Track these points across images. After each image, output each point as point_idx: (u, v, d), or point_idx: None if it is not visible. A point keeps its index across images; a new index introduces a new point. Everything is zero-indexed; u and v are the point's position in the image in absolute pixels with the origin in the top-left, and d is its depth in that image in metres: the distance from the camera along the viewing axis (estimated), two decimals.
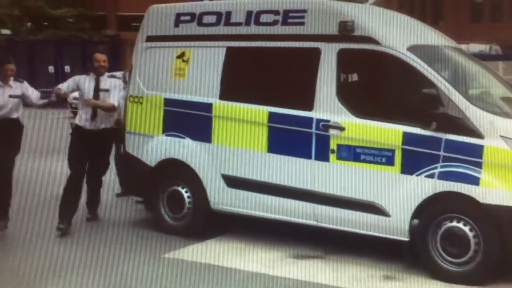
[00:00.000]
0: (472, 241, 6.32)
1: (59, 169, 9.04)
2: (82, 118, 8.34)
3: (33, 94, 8.34)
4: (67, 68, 28.03)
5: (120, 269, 6.83)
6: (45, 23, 43.89)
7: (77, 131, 8.36)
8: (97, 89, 8.36)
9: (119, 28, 45.65)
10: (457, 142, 6.35)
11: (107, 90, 8.36)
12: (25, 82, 8.37)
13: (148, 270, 6.81)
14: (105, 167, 8.67)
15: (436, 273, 6.50)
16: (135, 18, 25.63)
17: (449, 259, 6.44)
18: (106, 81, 8.47)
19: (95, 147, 8.31)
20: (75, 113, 9.80)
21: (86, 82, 8.40)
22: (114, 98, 8.37)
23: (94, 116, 8.30)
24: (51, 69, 27.21)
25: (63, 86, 8.51)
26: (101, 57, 8.47)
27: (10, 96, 8.08)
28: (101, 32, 41.61)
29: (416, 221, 6.58)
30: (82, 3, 47.36)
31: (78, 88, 8.48)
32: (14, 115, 8.18)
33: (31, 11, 43.37)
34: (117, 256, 7.20)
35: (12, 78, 8.15)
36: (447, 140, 6.39)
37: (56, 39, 34.61)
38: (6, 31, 35.14)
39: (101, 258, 7.15)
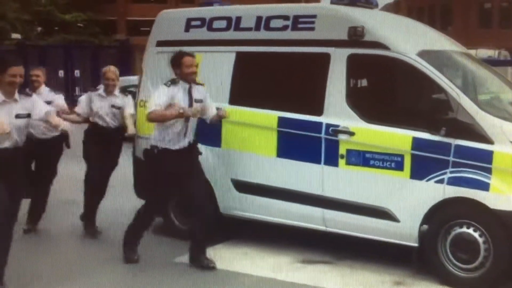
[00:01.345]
0: (482, 247, 6.31)
1: (73, 173, 9.02)
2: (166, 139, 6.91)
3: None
4: (77, 73, 28.06)
5: (132, 272, 6.85)
6: (56, 28, 44.15)
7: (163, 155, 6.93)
8: (191, 99, 6.97)
9: (129, 33, 45.87)
10: (467, 148, 6.35)
11: (201, 101, 7.06)
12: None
13: (159, 274, 6.83)
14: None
15: (446, 279, 6.50)
16: (145, 23, 25.74)
17: (459, 264, 6.44)
18: (199, 91, 7.11)
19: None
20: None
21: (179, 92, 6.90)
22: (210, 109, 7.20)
23: (185, 131, 6.95)
24: (61, 73, 27.24)
25: (160, 101, 6.85)
26: (191, 61, 6.99)
27: (113, 106, 8.06)
28: (111, 37, 41.75)
29: (425, 226, 6.58)
30: (92, 8, 47.61)
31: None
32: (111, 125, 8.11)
33: (41, 16, 43.64)
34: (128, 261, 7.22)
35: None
36: (456, 146, 6.39)
37: (66, 43, 34.71)
38: (16, 36, 35.29)
39: (113, 261, 7.17)
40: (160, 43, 8.38)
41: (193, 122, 6.94)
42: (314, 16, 7.32)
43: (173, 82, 6.90)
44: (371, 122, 6.87)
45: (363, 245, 7.07)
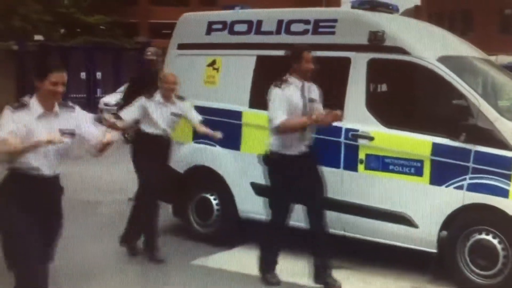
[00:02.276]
0: (501, 253, 6.28)
1: (91, 174, 9.09)
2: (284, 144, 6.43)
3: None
4: (98, 75, 28.25)
5: (149, 274, 6.89)
6: (78, 30, 44.44)
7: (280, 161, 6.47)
8: (304, 99, 6.45)
9: (150, 36, 46.03)
10: (486, 154, 6.32)
11: (315, 100, 6.56)
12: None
13: (176, 276, 6.87)
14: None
15: (464, 285, 6.47)
16: (166, 25, 25.85)
17: (477, 271, 6.40)
18: (312, 89, 6.58)
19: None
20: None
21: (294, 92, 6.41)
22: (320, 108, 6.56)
23: (305, 136, 6.50)
24: (83, 75, 27.44)
25: (283, 108, 6.35)
26: (311, 56, 6.47)
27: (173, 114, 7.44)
28: (133, 39, 41.94)
29: (444, 232, 6.56)
30: (115, 10, 47.87)
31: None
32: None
33: (63, 18, 43.94)
34: (146, 261, 7.26)
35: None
36: (476, 152, 6.36)
37: (88, 45, 34.95)
38: (39, 37, 35.53)
39: (130, 262, 7.22)
40: (181, 46, 8.43)
41: (311, 126, 6.47)
42: (335, 21, 7.33)
43: (284, 81, 6.40)
44: (391, 127, 6.87)
45: (382, 250, 7.05)
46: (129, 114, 7.36)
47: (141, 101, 7.41)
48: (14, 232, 4.61)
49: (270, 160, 6.53)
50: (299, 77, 6.41)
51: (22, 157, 4.53)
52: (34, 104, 4.64)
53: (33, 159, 4.57)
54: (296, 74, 6.39)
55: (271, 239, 6.73)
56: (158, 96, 7.37)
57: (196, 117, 7.53)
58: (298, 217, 7.32)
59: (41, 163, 4.62)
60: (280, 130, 6.27)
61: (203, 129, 7.42)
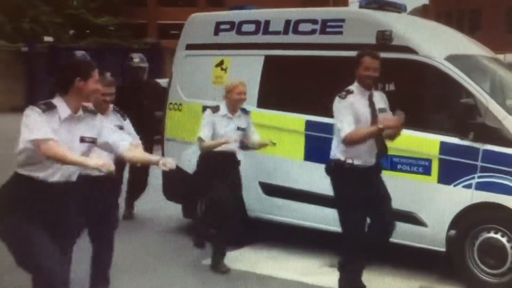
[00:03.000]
0: (510, 252, 6.26)
1: None
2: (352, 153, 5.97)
3: None
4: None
5: (160, 274, 6.91)
6: (87, 31, 44.60)
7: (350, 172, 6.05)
8: (373, 110, 6.00)
9: (159, 36, 46.16)
10: (495, 153, 6.32)
11: (384, 110, 6.12)
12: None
13: (187, 276, 6.88)
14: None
15: (473, 284, 6.46)
16: (175, 26, 25.90)
17: (486, 270, 6.40)
18: (381, 98, 6.19)
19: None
20: None
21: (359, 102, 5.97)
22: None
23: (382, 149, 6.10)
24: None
25: (348, 119, 5.89)
26: (371, 62, 5.95)
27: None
28: (142, 40, 42.06)
29: (453, 231, 6.54)
30: (124, 11, 48.03)
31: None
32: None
33: (73, 19, 44.11)
34: (156, 262, 7.28)
35: None
36: (484, 151, 6.35)
37: (97, 46, 35.07)
38: (49, 38, 35.69)
39: (141, 263, 7.23)
40: (190, 47, 8.45)
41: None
42: (343, 20, 7.34)
43: (348, 92, 5.95)
44: None
45: (390, 249, 7.05)
46: (207, 133, 6.85)
47: (209, 116, 6.89)
48: (27, 240, 4.38)
49: (339, 169, 6.04)
50: (362, 85, 5.98)
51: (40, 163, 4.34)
52: (61, 106, 4.41)
53: (49, 165, 4.37)
54: (358, 81, 6.00)
55: (351, 257, 6.19)
56: (223, 109, 6.90)
57: (253, 133, 7.15)
58: (306, 217, 7.37)
59: (55, 170, 4.41)
60: (347, 142, 5.88)
61: (260, 142, 7.10)
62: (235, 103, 6.90)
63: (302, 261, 7.30)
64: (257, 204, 7.71)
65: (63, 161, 4.25)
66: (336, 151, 6.03)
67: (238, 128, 6.95)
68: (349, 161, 5.94)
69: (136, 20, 49.70)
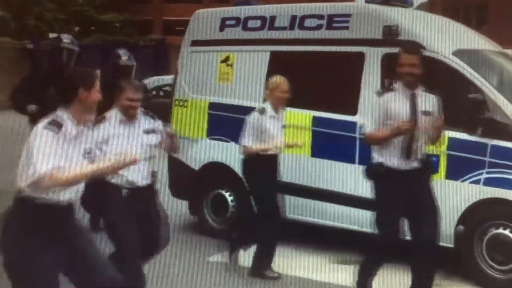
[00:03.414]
0: None
1: None
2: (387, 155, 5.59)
3: None
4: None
5: (166, 270, 6.89)
6: (92, 28, 44.66)
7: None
8: (414, 111, 5.50)
9: (164, 33, 46.18)
10: (503, 148, 6.28)
11: (429, 114, 5.55)
12: None
13: (193, 272, 6.87)
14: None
15: (481, 280, 6.44)
16: (180, 22, 25.90)
17: (495, 266, 6.38)
18: (428, 100, 5.61)
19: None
20: None
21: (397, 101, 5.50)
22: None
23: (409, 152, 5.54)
24: (97, 72, 27.55)
25: (373, 118, 5.63)
26: (409, 58, 5.48)
27: None
28: (147, 37, 42.10)
29: (461, 227, 6.52)
30: (129, 8, 48.07)
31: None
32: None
33: (78, 16, 44.16)
34: (162, 258, 7.25)
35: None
36: (493, 146, 6.32)
37: (103, 43, 35.10)
38: (54, 35, 35.76)
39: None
40: (195, 43, 8.44)
41: (422, 139, 5.55)
42: (349, 15, 7.32)
43: (388, 89, 5.66)
44: None
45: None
46: (250, 141, 6.57)
47: (255, 120, 6.59)
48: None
49: (376, 172, 5.72)
50: (403, 83, 5.53)
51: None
52: (67, 123, 4.12)
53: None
54: (398, 79, 5.56)
55: (378, 258, 6.00)
56: (269, 110, 6.58)
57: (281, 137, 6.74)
58: (314, 213, 7.35)
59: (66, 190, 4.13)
60: (367, 142, 5.74)
61: (289, 142, 6.76)
62: (280, 101, 6.59)
63: (311, 258, 7.28)
64: None
65: (75, 182, 4.04)
66: (374, 152, 5.70)
67: (282, 126, 6.68)
68: (383, 162, 5.57)
69: (141, 17, 49.71)
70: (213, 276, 6.78)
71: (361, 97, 7.07)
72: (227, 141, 7.89)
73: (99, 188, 5.00)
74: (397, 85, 5.56)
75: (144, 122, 5.61)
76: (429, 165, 5.71)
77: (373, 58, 7.08)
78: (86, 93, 4.19)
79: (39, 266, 4.03)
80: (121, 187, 5.34)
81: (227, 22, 8.19)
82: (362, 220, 7.06)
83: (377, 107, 5.60)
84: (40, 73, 7.68)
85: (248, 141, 6.57)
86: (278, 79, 6.64)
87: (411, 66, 5.42)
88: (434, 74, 7.22)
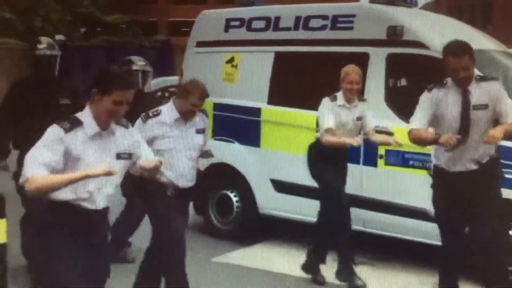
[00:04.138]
0: None
1: None
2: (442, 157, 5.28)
3: None
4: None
5: None
6: (98, 29, 44.75)
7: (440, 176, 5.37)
8: (466, 107, 5.13)
9: (170, 34, 46.22)
10: (507, 148, 6.26)
11: (485, 107, 5.14)
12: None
13: (196, 273, 6.85)
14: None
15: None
16: (185, 23, 25.94)
17: None
18: (485, 93, 5.19)
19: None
20: None
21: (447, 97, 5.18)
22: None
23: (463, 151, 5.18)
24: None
25: (418, 114, 5.27)
26: (460, 63, 5.09)
27: None
28: (153, 38, 42.14)
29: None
30: (134, 9, 48.15)
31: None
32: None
33: (83, 17, 44.26)
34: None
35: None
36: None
37: (109, 44, 35.18)
38: (60, 37, 35.80)
39: None
40: (200, 44, 8.45)
41: (477, 138, 5.13)
42: (353, 16, 7.32)
43: (437, 84, 5.30)
44: None
45: (403, 246, 7.03)
46: (332, 121, 6.27)
47: (329, 104, 6.38)
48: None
49: (432, 176, 5.44)
50: (455, 80, 5.16)
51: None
52: (88, 121, 3.90)
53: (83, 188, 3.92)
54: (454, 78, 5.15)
55: (447, 267, 5.68)
56: (340, 98, 6.38)
57: (370, 123, 6.56)
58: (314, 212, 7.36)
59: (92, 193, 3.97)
60: (410, 139, 5.40)
61: (378, 138, 6.53)
62: (350, 92, 6.33)
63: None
64: (269, 201, 7.71)
65: (51, 188, 3.75)
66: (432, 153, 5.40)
67: (357, 119, 6.42)
68: (441, 165, 5.28)
69: (146, 18, 49.76)
70: (216, 276, 6.79)
71: (365, 97, 7.05)
72: (232, 142, 7.90)
73: (145, 186, 5.16)
74: (449, 81, 5.25)
75: (198, 120, 5.62)
76: (491, 167, 5.24)
77: (377, 58, 7.08)
78: (98, 97, 3.88)
79: (71, 269, 3.92)
80: (167, 186, 5.42)
81: (232, 23, 8.20)
82: (366, 220, 7.08)
83: (427, 102, 5.24)
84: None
85: (330, 122, 6.25)
86: (348, 68, 6.37)
87: (465, 70, 5.08)
88: (439, 74, 7.24)
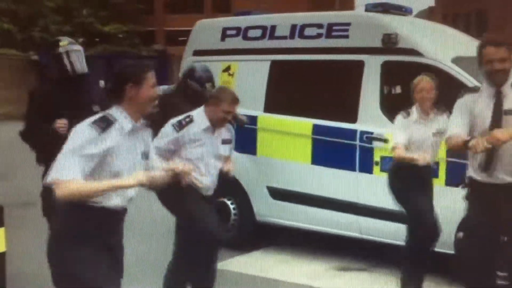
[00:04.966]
0: None
1: None
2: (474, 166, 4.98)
3: None
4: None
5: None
6: (97, 39, 44.88)
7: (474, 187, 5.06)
8: (498, 112, 4.81)
9: (167, 43, 46.35)
10: None
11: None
12: None
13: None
14: None
15: None
16: (182, 33, 26.02)
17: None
18: None
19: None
20: None
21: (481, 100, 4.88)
22: None
23: (489, 161, 4.86)
24: (101, 83, 27.71)
25: (453, 127, 5.01)
26: (496, 52, 4.77)
27: None
28: (150, 47, 42.27)
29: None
30: (132, 19, 48.30)
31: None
32: None
33: (82, 28, 44.39)
34: (163, 264, 7.28)
35: None
36: None
37: (107, 54, 35.29)
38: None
39: (148, 267, 7.24)
40: (197, 53, 8.49)
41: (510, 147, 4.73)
42: (348, 24, 7.36)
43: (469, 89, 5.22)
44: None
45: (399, 252, 7.05)
46: (400, 139, 6.00)
47: (401, 121, 6.06)
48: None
49: (468, 188, 5.19)
50: (489, 81, 4.91)
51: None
52: (122, 117, 3.87)
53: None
54: (484, 76, 4.96)
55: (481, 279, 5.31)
56: (414, 113, 6.00)
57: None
58: (314, 220, 7.39)
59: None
60: (447, 147, 5.26)
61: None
62: (424, 104, 5.96)
63: (310, 264, 7.31)
64: (265, 208, 7.74)
65: (84, 196, 3.72)
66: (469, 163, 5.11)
67: (435, 134, 5.95)
68: (475, 176, 4.99)
69: (144, 28, 49.89)
70: (215, 283, 6.79)
71: (361, 105, 7.12)
72: None
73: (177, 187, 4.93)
74: (482, 85, 5.02)
75: (224, 131, 5.63)
76: None
77: (372, 66, 7.12)
78: (134, 90, 3.89)
79: (97, 274, 3.86)
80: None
81: (228, 32, 8.25)
82: (362, 227, 7.11)
83: (459, 108, 5.01)
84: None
85: (397, 140, 5.99)
86: (417, 78, 6.04)
87: (501, 61, 4.76)
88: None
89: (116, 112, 3.87)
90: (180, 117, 5.47)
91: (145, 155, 4.04)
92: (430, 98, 5.97)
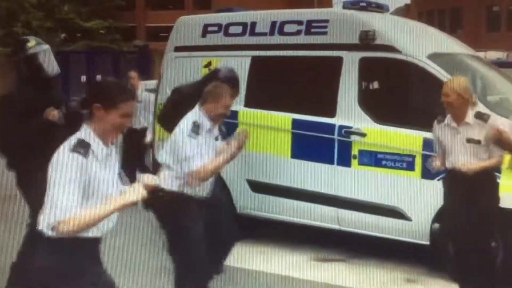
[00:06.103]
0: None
1: None
2: None
3: None
4: (98, 78, 28.52)
5: (147, 270, 6.95)
6: (78, 35, 44.70)
7: None
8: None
9: (148, 39, 46.23)
10: None
11: None
12: None
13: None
14: None
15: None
16: (163, 29, 26.03)
17: None
18: None
19: None
20: None
21: None
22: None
23: None
24: (83, 78, 27.63)
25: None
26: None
27: None
28: (131, 43, 42.15)
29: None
30: (113, 15, 48.13)
31: None
32: None
33: (63, 23, 44.18)
34: (143, 258, 7.31)
35: None
36: None
37: (88, 49, 35.18)
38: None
39: (129, 258, 7.25)
40: (178, 49, 8.54)
41: None
42: (327, 21, 7.46)
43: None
44: (383, 123, 7.01)
45: (376, 244, 7.19)
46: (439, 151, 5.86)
47: (435, 126, 5.85)
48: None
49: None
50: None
51: None
52: (95, 142, 3.53)
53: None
54: None
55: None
56: (447, 117, 5.69)
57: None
58: (294, 213, 7.50)
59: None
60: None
61: None
62: (447, 109, 5.65)
63: (289, 256, 7.40)
64: (245, 201, 7.83)
65: (90, 226, 3.45)
66: None
67: (469, 140, 5.56)
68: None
69: (125, 24, 49.73)
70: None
71: (339, 100, 7.23)
72: None
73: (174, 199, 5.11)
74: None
75: (215, 128, 5.54)
76: None
77: (350, 62, 7.23)
78: (101, 112, 3.50)
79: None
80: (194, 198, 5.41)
81: (209, 28, 8.30)
82: (340, 219, 7.23)
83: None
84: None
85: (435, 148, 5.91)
86: (445, 81, 5.91)
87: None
88: (410, 77, 7.45)
89: (86, 134, 3.51)
90: (190, 125, 5.29)
91: (121, 177, 3.74)
92: (447, 101, 5.59)
